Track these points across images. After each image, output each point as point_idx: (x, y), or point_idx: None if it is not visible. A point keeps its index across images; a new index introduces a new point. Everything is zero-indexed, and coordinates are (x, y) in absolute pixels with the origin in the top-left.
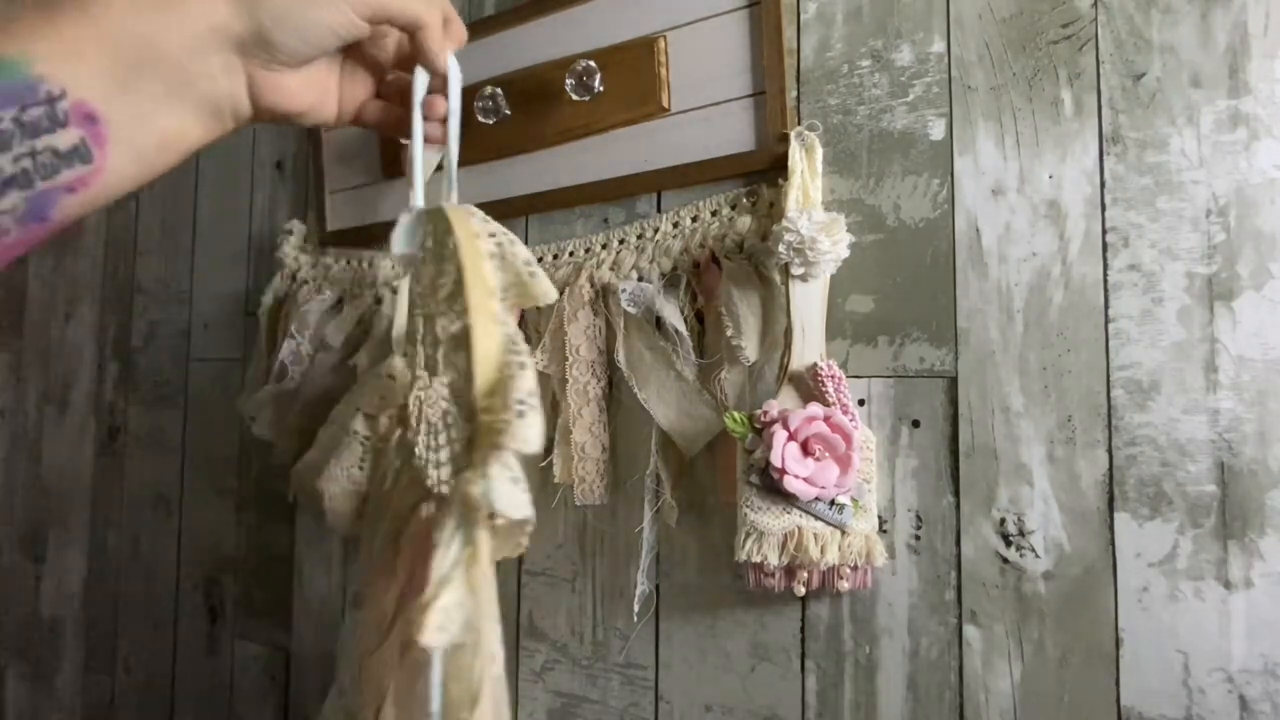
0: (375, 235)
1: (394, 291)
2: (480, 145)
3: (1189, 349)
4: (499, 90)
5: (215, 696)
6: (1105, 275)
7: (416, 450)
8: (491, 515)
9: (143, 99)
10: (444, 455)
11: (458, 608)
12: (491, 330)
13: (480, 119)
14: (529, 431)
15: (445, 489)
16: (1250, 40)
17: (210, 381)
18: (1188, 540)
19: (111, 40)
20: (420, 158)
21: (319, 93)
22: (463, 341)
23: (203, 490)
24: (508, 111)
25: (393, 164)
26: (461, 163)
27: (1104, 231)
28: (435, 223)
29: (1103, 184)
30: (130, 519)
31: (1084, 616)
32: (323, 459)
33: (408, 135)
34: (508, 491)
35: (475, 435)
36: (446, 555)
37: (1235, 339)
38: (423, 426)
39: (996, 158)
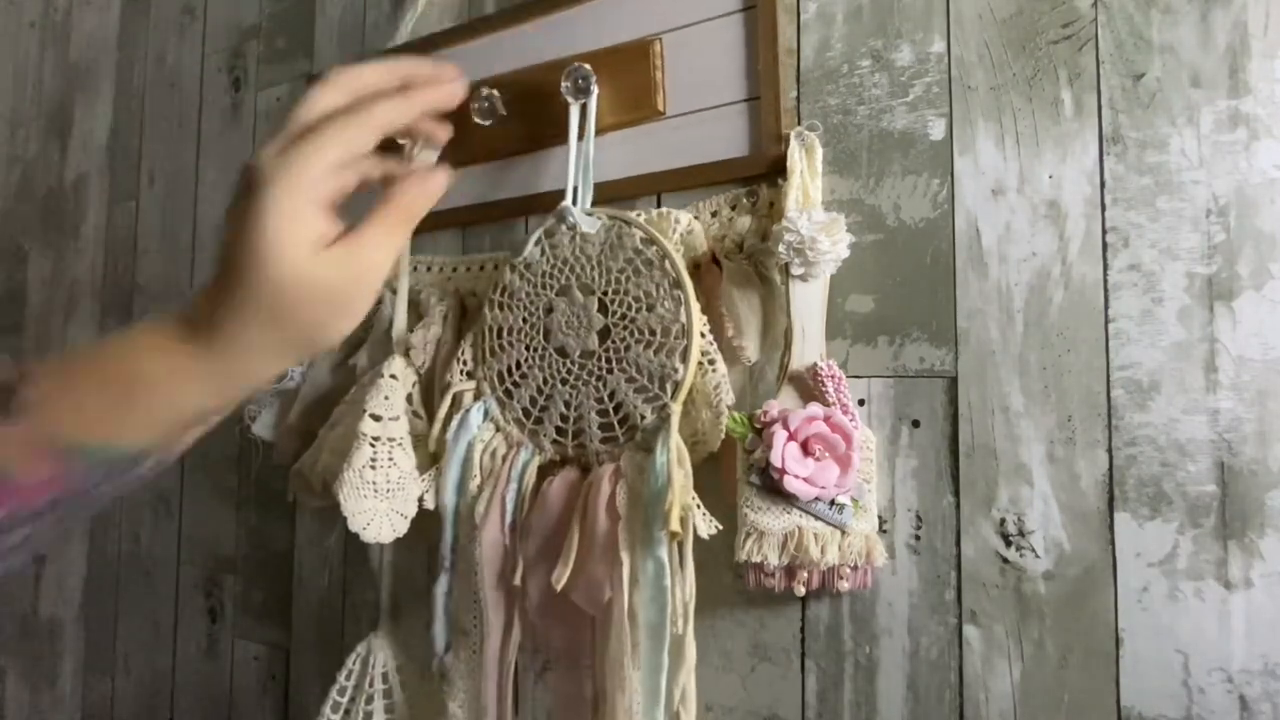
0: None
1: (394, 291)
2: (477, 147)
3: (1189, 349)
4: (495, 92)
5: (215, 696)
6: (1105, 275)
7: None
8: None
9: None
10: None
11: (684, 490)
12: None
13: (477, 120)
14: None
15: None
16: (1250, 40)
17: None
18: (1188, 540)
19: (187, 423)
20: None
21: None
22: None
23: (203, 490)
24: (504, 113)
25: None
26: (458, 164)
27: (1104, 231)
28: (626, 227)
29: (1103, 184)
30: (130, 519)
31: (1084, 616)
32: (336, 463)
33: None
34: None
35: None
36: (661, 461)
37: (1235, 339)
38: (590, 391)
39: (996, 158)
